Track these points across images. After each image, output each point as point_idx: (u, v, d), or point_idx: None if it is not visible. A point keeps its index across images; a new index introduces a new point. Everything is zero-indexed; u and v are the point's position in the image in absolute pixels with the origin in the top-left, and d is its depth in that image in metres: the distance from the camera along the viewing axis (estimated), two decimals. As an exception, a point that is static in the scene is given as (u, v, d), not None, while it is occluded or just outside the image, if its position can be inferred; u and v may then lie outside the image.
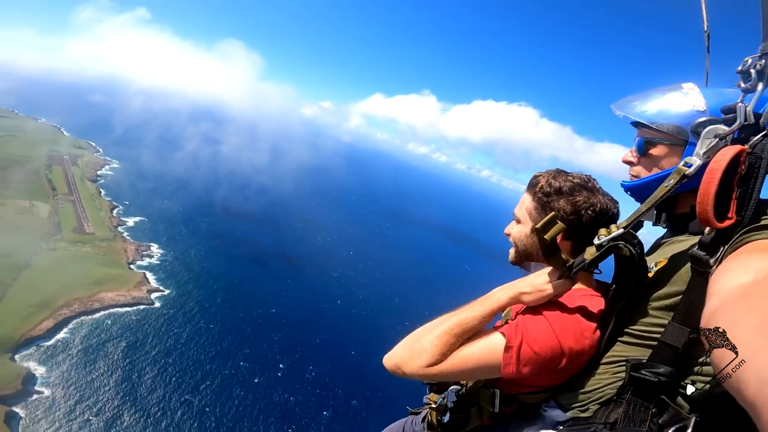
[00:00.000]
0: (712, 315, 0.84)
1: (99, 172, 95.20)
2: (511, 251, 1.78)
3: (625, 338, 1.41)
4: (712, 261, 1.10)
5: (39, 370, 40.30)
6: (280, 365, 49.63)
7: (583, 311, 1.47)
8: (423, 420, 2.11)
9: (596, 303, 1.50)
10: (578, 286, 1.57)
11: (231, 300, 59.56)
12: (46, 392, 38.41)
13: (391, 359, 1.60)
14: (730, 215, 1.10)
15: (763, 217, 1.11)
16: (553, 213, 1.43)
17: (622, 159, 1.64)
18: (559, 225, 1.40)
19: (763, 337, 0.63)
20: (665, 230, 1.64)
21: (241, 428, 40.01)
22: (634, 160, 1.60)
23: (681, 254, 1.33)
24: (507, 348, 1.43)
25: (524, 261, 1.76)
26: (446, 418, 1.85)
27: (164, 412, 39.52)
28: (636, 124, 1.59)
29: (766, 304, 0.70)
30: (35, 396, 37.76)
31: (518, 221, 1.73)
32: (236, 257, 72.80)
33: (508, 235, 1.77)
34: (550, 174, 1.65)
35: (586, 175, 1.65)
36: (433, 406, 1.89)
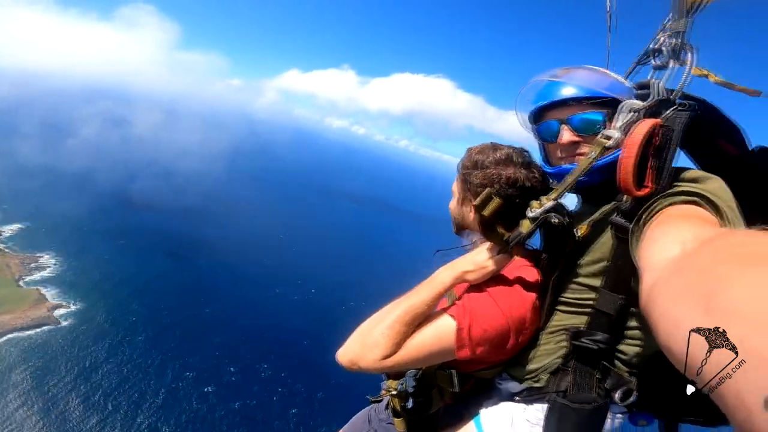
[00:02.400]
0: (650, 291, 0.84)
1: (-47, 174, 77.32)
2: (453, 223, 1.89)
3: (561, 307, 1.48)
4: (632, 227, 1.17)
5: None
6: (230, 368, 46.20)
7: (523, 283, 1.53)
8: (387, 407, 2.00)
9: (532, 273, 1.57)
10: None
11: (150, 304, 53.34)
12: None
13: (345, 355, 1.54)
14: (647, 183, 1.18)
15: (676, 183, 1.19)
16: (488, 190, 1.45)
17: (565, 140, 1.50)
18: (496, 201, 1.42)
19: (712, 316, 0.59)
20: (579, 200, 1.68)
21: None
22: (580, 139, 1.48)
23: (600, 221, 1.39)
24: (458, 330, 1.45)
25: (461, 231, 1.84)
26: (410, 404, 1.79)
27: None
28: (572, 101, 1.48)
29: (701, 279, 0.67)
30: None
31: (453, 195, 1.81)
32: (148, 254, 65.27)
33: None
34: (477, 149, 1.68)
35: (516, 149, 1.65)
36: (394, 393, 1.81)
